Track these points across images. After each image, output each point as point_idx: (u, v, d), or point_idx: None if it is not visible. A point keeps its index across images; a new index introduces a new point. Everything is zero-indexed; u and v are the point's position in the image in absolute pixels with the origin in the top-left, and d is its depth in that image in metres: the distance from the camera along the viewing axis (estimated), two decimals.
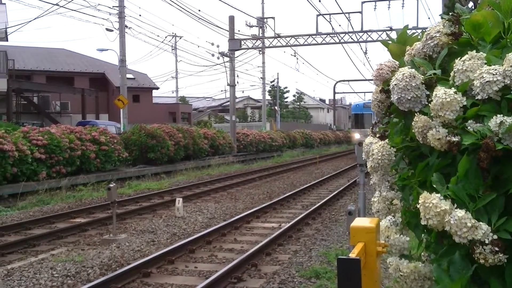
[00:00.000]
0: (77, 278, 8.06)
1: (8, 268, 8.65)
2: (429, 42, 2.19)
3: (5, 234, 11.38)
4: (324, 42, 32.27)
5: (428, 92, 2.06)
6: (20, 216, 13.63)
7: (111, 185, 10.62)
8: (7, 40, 32.62)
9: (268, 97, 69.39)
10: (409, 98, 2.05)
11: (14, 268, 8.64)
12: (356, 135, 36.72)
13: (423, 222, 1.85)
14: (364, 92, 75.88)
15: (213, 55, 77.84)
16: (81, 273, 8.28)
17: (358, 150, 8.85)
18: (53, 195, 16.78)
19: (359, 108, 38.32)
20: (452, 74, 2.01)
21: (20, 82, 34.00)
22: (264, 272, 8.31)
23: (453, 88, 1.93)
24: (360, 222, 2.13)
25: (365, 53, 61.55)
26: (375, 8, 32.42)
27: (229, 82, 36.34)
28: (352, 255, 1.88)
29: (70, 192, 17.85)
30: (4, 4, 32.98)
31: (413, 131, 2.03)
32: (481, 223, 1.74)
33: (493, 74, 1.84)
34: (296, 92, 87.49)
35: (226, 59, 36.90)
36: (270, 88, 73.96)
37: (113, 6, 29.78)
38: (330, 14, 32.57)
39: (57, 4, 26.75)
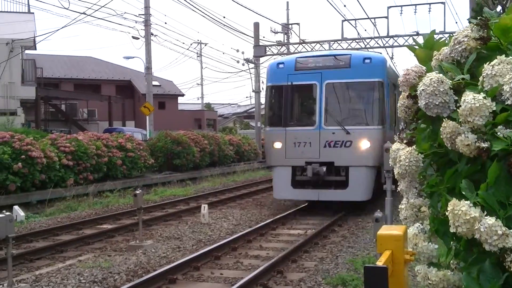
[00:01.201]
0: (104, 284, 8.12)
1: (36, 274, 8.76)
2: (457, 47, 2.16)
3: (34, 240, 11.53)
4: (349, 47, 32.09)
5: (456, 98, 2.03)
6: (48, 223, 13.79)
7: (137, 192, 10.69)
8: (35, 49, 33.19)
9: None
10: (437, 103, 2.02)
11: (42, 274, 8.74)
12: (277, 144, 14.65)
13: (452, 230, 1.82)
14: None
15: (238, 61, 77.78)
16: (107, 279, 8.34)
17: (385, 156, 8.77)
18: (80, 202, 16.96)
19: (284, 73, 14.89)
20: (481, 79, 1.98)
21: (48, 90, 34.55)
22: (290, 279, 8.27)
23: (482, 93, 1.90)
24: (387, 229, 2.11)
25: (391, 58, 60.95)
26: (401, 13, 32.16)
27: (254, 89, 36.43)
28: (379, 263, 1.86)
29: (97, 198, 18.02)
30: (33, 13, 33.58)
31: (441, 137, 2.00)
32: None
33: None
34: None
35: (251, 65, 37.02)
36: None
37: (139, 14, 30.12)
38: (355, 20, 32.41)
39: (84, 13, 27.13)
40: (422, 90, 2.05)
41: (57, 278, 8.42)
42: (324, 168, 13.65)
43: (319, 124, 14.18)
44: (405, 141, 2.38)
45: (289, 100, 14.81)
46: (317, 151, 13.99)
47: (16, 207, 14.25)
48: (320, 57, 15.11)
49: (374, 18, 31.12)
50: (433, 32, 2.53)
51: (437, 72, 2.09)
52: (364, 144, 13.64)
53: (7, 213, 7.40)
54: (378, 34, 31.74)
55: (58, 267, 9.25)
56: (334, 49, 19.42)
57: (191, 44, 55.97)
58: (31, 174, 16.11)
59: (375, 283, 1.76)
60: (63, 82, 44.16)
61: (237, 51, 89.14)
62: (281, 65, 15.11)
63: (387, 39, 30.94)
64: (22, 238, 11.46)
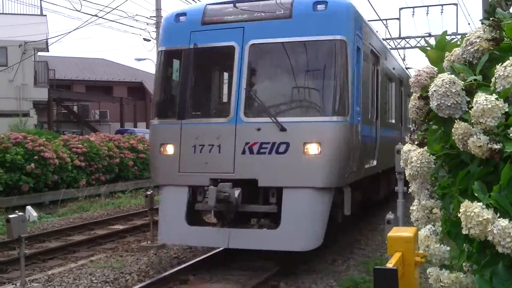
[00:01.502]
0: (115, 284, 8.14)
1: (48, 274, 8.81)
2: (469, 47, 2.15)
3: (46, 240, 11.59)
4: None
5: (468, 99, 2.02)
6: (61, 223, 13.86)
7: (149, 193, 10.73)
8: (48, 51, 33.37)
9: None
10: (449, 104, 2.01)
11: (55, 274, 8.79)
12: (167, 148, 8.68)
13: (464, 232, 1.81)
14: None
15: None
16: (119, 279, 8.37)
17: (397, 157, 8.72)
18: (92, 202, 17.04)
19: (185, 29, 8.95)
20: (493, 80, 1.96)
21: (60, 92, 34.76)
22: (302, 281, 8.25)
23: (494, 95, 1.89)
24: (397, 231, 2.10)
25: (403, 59, 60.63)
26: (413, 15, 31.94)
27: None
28: (389, 265, 1.85)
29: (109, 199, 18.10)
30: (45, 16, 33.78)
31: (453, 138, 1.99)
32: None
33: None
34: None
35: None
36: None
37: (150, 16, 30.14)
38: (367, 21, 32.29)
39: (96, 15, 27.30)
40: (434, 91, 2.04)
41: (69, 278, 8.47)
42: (238, 191, 8.04)
43: (236, 114, 8.45)
44: (416, 142, 2.37)
45: (190, 75, 9.09)
46: (231, 161, 8.35)
47: (28, 208, 14.34)
48: (243, 3, 8.96)
49: (386, 19, 30.93)
50: (445, 33, 2.52)
51: (449, 73, 2.08)
52: (312, 149, 8.05)
53: (20, 213, 7.45)
54: (390, 35, 31.56)
55: (70, 267, 9.30)
56: None
57: None
58: (43, 175, 16.22)
59: (385, 284, 1.75)
60: (75, 83, 44.39)
61: None
62: (181, 17, 9.21)
63: (399, 40, 30.79)
64: (35, 238, 11.53)
